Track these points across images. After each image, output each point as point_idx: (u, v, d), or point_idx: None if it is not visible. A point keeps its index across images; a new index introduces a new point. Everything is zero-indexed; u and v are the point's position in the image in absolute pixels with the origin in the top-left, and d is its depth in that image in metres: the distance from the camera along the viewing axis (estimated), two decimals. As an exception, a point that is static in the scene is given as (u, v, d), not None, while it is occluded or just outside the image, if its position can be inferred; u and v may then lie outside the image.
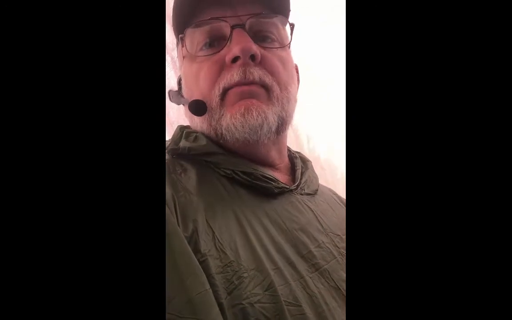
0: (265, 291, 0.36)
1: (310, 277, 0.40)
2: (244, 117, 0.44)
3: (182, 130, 0.51)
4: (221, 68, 0.46)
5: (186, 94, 0.51)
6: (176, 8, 0.48)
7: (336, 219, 0.50)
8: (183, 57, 0.51)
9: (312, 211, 0.49)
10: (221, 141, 0.47)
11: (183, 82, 0.52)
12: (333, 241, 0.46)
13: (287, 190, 0.48)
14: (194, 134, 0.50)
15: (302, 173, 0.53)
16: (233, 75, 0.44)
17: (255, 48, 0.45)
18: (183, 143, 0.48)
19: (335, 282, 0.41)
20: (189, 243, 0.37)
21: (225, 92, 0.45)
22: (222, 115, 0.45)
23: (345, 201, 0.59)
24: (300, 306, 0.37)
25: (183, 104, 0.53)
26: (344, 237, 0.48)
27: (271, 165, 0.51)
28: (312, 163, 0.61)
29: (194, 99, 0.47)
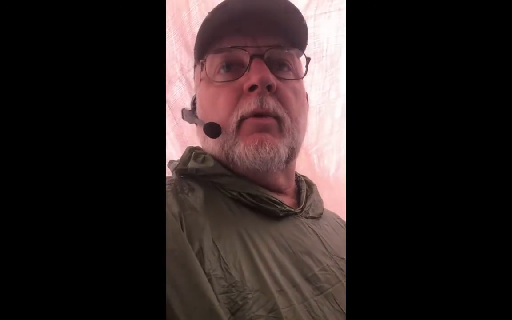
0: (269, 313, 0.36)
1: (315, 300, 0.40)
2: (257, 150, 0.45)
3: (191, 152, 0.52)
4: (239, 95, 0.47)
5: (200, 115, 0.52)
6: (200, 34, 0.50)
7: (341, 243, 0.51)
8: (200, 80, 0.52)
9: (317, 234, 0.49)
10: (230, 165, 0.49)
11: (198, 103, 0.53)
12: (338, 264, 0.46)
13: (292, 213, 0.49)
14: (203, 156, 0.51)
15: (307, 197, 0.54)
16: (250, 104, 0.46)
17: (272, 79, 0.46)
18: (191, 164, 0.50)
19: (339, 306, 0.41)
20: None
21: (242, 120, 0.47)
22: (236, 142, 0.47)
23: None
24: None
25: (196, 124, 0.54)
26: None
27: (279, 190, 0.52)
28: (323, 183, 0.61)
29: (209, 121, 0.48)
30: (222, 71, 0.49)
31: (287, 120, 0.48)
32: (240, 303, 0.36)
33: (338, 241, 0.51)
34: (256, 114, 0.46)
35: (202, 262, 0.37)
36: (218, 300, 0.35)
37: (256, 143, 0.45)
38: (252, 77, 0.45)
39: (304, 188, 0.56)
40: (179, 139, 0.78)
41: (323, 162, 0.84)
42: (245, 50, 0.47)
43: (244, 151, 0.46)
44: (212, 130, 0.48)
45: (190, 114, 0.55)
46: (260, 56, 0.47)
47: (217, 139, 0.48)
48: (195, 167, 0.49)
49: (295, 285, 0.40)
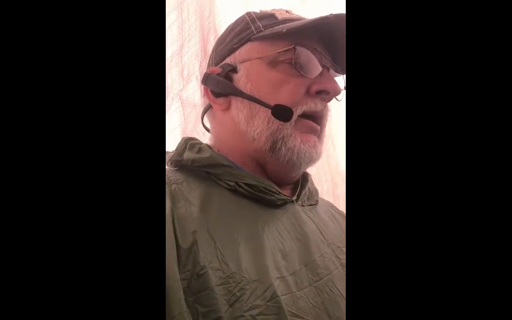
0: (267, 302, 0.36)
1: (315, 286, 0.40)
2: (310, 148, 0.48)
3: (187, 142, 0.52)
4: (305, 92, 0.49)
5: (249, 90, 0.50)
6: (303, 23, 0.49)
7: (336, 231, 0.51)
8: (259, 58, 0.50)
9: (314, 222, 0.49)
10: (269, 152, 0.48)
11: (247, 78, 0.51)
12: (335, 252, 0.46)
13: (289, 201, 0.49)
14: (198, 146, 0.51)
15: (302, 185, 0.54)
16: (316, 105, 0.49)
17: None
18: (186, 155, 0.50)
19: (339, 291, 0.41)
20: (188, 255, 0.37)
21: (300, 116, 0.48)
22: (291, 135, 0.48)
23: (343, 213, 0.60)
24: (304, 317, 0.37)
25: (232, 94, 0.51)
26: (345, 249, 0.48)
27: (286, 184, 0.53)
28: (338, 176, 0.61)
29: (279, 104, 0.47)
30: (291, 62, 0.49)
31: (324, 129, 0.52)
32: (238, 294, 0.36)
33: (333, 229, 0.52)
34: (313, 116, 0.49)
35: (197, 255, 0.37)
36: (213, 291, 0.35)
37: (312, 143, 0.49)
38: (327, 84, 0.49)
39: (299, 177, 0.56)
40: (183, 135, 0.79)
41: (337, 154, 0.81)
42: (322, 58, 0.50)
43: (299, 146, 0.47)
44: (284, 113, 0.47)
45: (226, 84, 0.51)
46: (327, 68, 0.50)
47: (271, 124, 0.48)
48: (191, 158, 0.49)
49: (295, 272, 0.41)
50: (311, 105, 0.48)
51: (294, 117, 0.48)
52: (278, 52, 0.49)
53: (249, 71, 0.51)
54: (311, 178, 0.58)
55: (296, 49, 0.48)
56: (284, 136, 0.47)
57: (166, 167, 0.52)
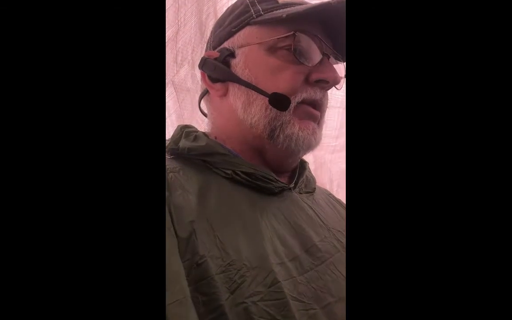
0: (268, 288, 0.37)
1: (316, 271, 0.41)
2: (309, 136, 0.48)
3: (182, 130, 0.52)
4: (304, 80, 0.48)
5: (245, 77, 0.49)
6: (303, 9, 0.47)
7: (335, 217, 0.51)
8: (258, 43, 0.49)
9: (312, 208, 0.49)
10: (268, 140, 0.48)
11: (243, 60, 0.50)
12: (335, 236, 0.47)
13: (286, 188, 0.49)
14: (194, 134, 0.50)
15: (299, 173, 0.54)
16: (316, 93, 0.48)
17: None
18: (182, 143, 0.49)
19: (341, 273, 0.42)
20: (186, 245, 0.37)
21: (299, 103, 0.48)
22: (290, 122, 0.47)
23: (341, 201, 0.61)
24: (305, 302, 0.37)
25: (230, 80, 0.50)
26: (345, 232, 0.48)
27: (285, 171, 0.53)
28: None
29: (276, 92, 0.47)
30: (290, 49, 0.47)
31: (324, 116, 0.52)
32: (239, 281, 0.36)
33: (332, 214, 0.52)
34: (313, 104, 0.49)
35: (195, 245, 0.37)
36: (214, 280, 0.35)
37: (310, 129, 0.48)
38: (326, 73, 0.48)
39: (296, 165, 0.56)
40: (179, 121, 0.78)
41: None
42: (322, 46, 0.49)
43: (298, 133, 0.47)
44: (281, 102, 0.47)
45: (224, 69, 0.50)
46: (328, 56, 0.49)
47: (269, 111, 0.47)
48: (187, 146, 0.48)
49: (295, 257, 0.41)
50: (310, 93, 0.48)
51: (293, 104, 0.47)
52: (277, 38, 0.48)
53: (247, 56, 0.49)
54: (308, 166, 0.58)
55: (296, 35, 0.47)
56: (282, 123, 0.47)
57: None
